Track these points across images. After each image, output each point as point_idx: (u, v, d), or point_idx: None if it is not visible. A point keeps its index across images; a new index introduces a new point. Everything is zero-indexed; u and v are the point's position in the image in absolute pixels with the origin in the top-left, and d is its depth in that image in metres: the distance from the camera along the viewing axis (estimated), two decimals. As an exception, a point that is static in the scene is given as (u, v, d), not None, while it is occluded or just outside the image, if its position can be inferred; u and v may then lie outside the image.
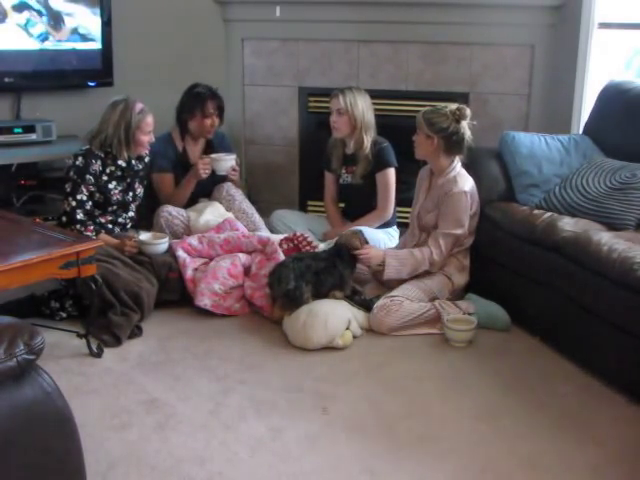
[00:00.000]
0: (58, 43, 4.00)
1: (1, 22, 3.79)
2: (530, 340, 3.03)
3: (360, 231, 3.33)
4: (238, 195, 3.84)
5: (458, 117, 3.16)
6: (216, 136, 3.99)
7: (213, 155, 3.80)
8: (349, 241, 3.21)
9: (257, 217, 3.84)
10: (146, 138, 3.38)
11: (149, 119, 3.37)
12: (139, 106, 3.35)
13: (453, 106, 3.19)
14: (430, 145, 3.19)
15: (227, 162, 3.79)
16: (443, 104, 3.24)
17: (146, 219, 3.70)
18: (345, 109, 3.70)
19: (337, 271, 3.14)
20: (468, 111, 3.18)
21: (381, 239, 3.66)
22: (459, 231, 3.19)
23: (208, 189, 3.85)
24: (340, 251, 3.20)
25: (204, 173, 3.73)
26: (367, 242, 3.30)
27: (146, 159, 3.55)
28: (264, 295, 3.18)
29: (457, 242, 3.22)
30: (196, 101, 3.80)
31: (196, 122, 3.82)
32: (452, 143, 3.18)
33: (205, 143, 3.96)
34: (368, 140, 3.73)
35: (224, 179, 3.84)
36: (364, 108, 3.72)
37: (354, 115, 3.70)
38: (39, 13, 3.90)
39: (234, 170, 3.83)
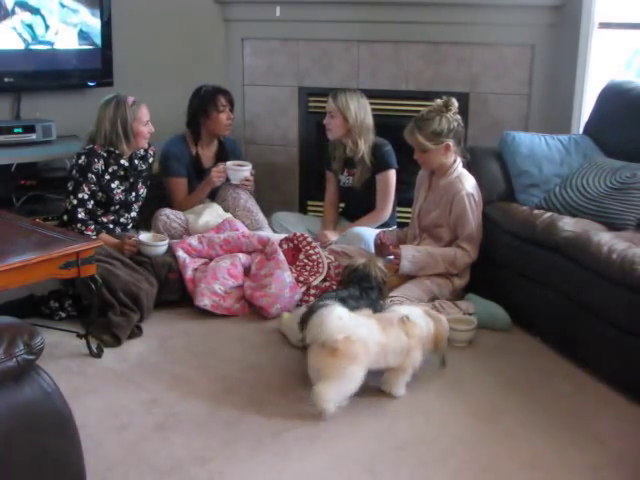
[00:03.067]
0: (58, 43, 4.00)
1: (2, 20, 3.79)
2: (530, 340, 3.03)
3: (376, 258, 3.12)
4: (244, 194, 3.85)
5: (452, 109, 3.15)
6: (228, 140, 4.02)
7: (228, 163, 3.81)
8: (377, 272, 2.89)
9: (261, 216, 3.85)
10: (145, 129, 3.38)
11: (144, 110, 3.39)
12: (131, 99, 3.36)
13: (436, 104, 3.17)
14: (446, 151, 3.18)
15: (242, 172, 3.81)
16: (424, 111, 3.19)
17: (148, 220, 3.70)
18: (336, 111, 3.70)
19: (378, 307, 2.80)
20: (453, 100, 3.18)
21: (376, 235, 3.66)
22: (479, 230, 3.21)
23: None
24: (368, 281, 2.86)
25: (218, 181, 3.76)
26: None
27: (150, 159, 3.55)
28: (264, 295, 3.18)
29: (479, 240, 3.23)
30: (208, 99, 3.83)
31: (211, 120, 3.84)
32: (460, 135, 3.20)
33: (218, 146, 3.98)
34: (363, 144, 3.71)
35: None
36: (357, 110, 3.70)
37: (345, 117, 3.70)
38: (39, 13, 3.91)
39: (247, 180, 3.84)
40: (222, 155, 3.96)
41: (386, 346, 2.45)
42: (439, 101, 3.18)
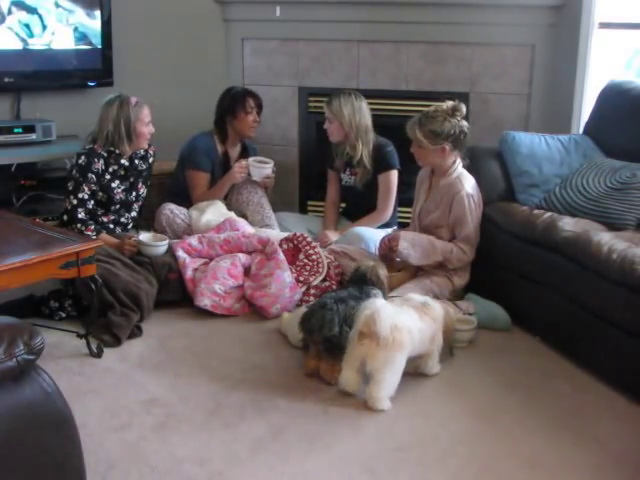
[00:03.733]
0: (57, 43, 4.00)
1: (1, 23, 3.80)
2: (530, 340, 3.03)
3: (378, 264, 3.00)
4: (260, 189, 3.90)
5: (458, 115, 3.15)
6: (249, 144, 4.06)
7: (250, 159, 3.85)
8: (378, 275, 2.86)
9: (272, 214, 3.89)
10: (146, 129, 3.39)
11: (146, 110, 3.40)
12: (134, 99, 3.37)
13: (445, 106, 3.16)
14: (442, 154, 3.17)
15: (264, 170, 3.85)
16: (432, 108, 3.19)
17: (148, 219, 3.71)
18: (332, 117, 3.72)
19: None
20: (463, 106, 3.18)
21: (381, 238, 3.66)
22: (477, 231, 3.21)
23: None
24: (366, 282, 2.83)
25: (240, 177, 3.81)
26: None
27: (150, 159, 3.56)
28: (264, 295, 3.18)
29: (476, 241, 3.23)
30: (237, 100, 3.87)
31: (239, 121, 3.87)
32: (460, 141, 3.19)
33: (241, 148, 4.02)
34: (361, 147, 3.72)
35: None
36: (351, 115, 3.70)
37: (341, 123, 3.71)
38: (38, 13, 3.91)
39: (268, 178, 3.87)
40: (245, 156, 4.00)
41: (424, 332, 2.55)
42: (450, 103, 3.16)
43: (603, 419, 2.43)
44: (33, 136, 3.86)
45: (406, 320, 2.48)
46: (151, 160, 3.56)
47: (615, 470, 2.16)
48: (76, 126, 4.00)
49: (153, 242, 3.32)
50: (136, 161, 3.47)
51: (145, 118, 3.38)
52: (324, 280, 3.36)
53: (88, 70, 4.15)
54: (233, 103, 3.86)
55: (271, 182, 3.93)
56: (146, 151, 3.52)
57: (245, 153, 4.02)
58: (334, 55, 4.33)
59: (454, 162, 3.23)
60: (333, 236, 3.75)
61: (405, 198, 3.91)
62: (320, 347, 2.60)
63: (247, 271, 3.35)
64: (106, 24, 4.10)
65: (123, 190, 3.43)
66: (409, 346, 2.45)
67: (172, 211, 3.68)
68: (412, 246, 3.18)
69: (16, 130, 3.82)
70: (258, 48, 4.45)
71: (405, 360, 2.47)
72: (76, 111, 4.02)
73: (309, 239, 3.50)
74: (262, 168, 3.84)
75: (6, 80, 3.86)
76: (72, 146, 3.75)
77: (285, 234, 3.65)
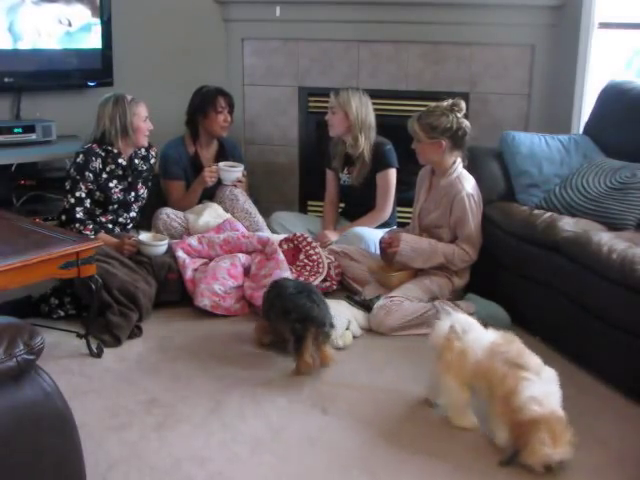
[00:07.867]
0: (57, 43, 4.00)
1: None
2: (530, 340, 3.01)
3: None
4: (241, 195, 3.86)
5: (456, 110, 3.16)
6: (228, 143, 4.04)
7: (221, 164, 3.84)
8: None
9: (260, 218, 3.86)
10: (144, 125, 3.39)
11: (142, 106, 3.40)
12: (129, 97, 3.38)
13: (445, 103, 3.17)
14: (438, 149, 3.17)
15: (233, 173, 3.84)
16: (433, 105, 3.21)
17: (149, 220, 3.71)
18: (337, 107, 3.72)
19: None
20: (463, 103, 3.18)
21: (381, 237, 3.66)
22: (479, 231, 3.21)
23: (212, 189, 3.88)
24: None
25: (210, 181, 3.79)
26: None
27: (152, 160, 3.56)
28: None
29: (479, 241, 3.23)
30: (207, 99, 3.86)
31: (209, 120, 3.86)
32: (458, 139, 3.18)
33: (218, 147, 4.00)
34: (363, 140, 3.72)
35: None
36: (358, 107, 3.70)
37: (346, 113, 3.71)
38: (40, 12, 3.91)
39: (239, 181, 3.86)
40: (222, 156, 3.98)
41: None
42: (450, 100, 3.18)
43: (603, 419, 2.43)
44: (33, 136, 3.86)
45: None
46: (152, 161, 3.57)
47: (615, 470, 2.16)
48: (76, 126, 4.00)
49: (153, 242, 3.32)
50: (136, 161, 3.47)
51: (142, 113, 3.38)
52: (324, 280, 3.37)
53: (88, 70, 4.15)
54: (203, 102, 3.86)
55: (243, 185, 3.90)
56: (147, 151, 3.52)
57: (222, 151, 4.00)
58: (334, 55, 4.32)
59: (454, 162, 3.23)
60: (333, 236, 3.75)
61: (405, 198, 3.91)
62: (321, 337, 2.68)
63: (247, 271, 3.35)
64: (106, 24, 4.10)
65: (121, 190, 3.43)
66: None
67: (168, 215, 3.67)
68: (413, 249, 3.18)
69: (16, 130, 3.82)
70: (258, 48, 4.44)
71: None
72: (76, 111, 4.02)
73: (309, 239, 3.51)
74: (232, 172, 3.83)
75: (6, 80, 3.86)
76: (72, 146, 3.74)
77: (282, 235, 3.65)
